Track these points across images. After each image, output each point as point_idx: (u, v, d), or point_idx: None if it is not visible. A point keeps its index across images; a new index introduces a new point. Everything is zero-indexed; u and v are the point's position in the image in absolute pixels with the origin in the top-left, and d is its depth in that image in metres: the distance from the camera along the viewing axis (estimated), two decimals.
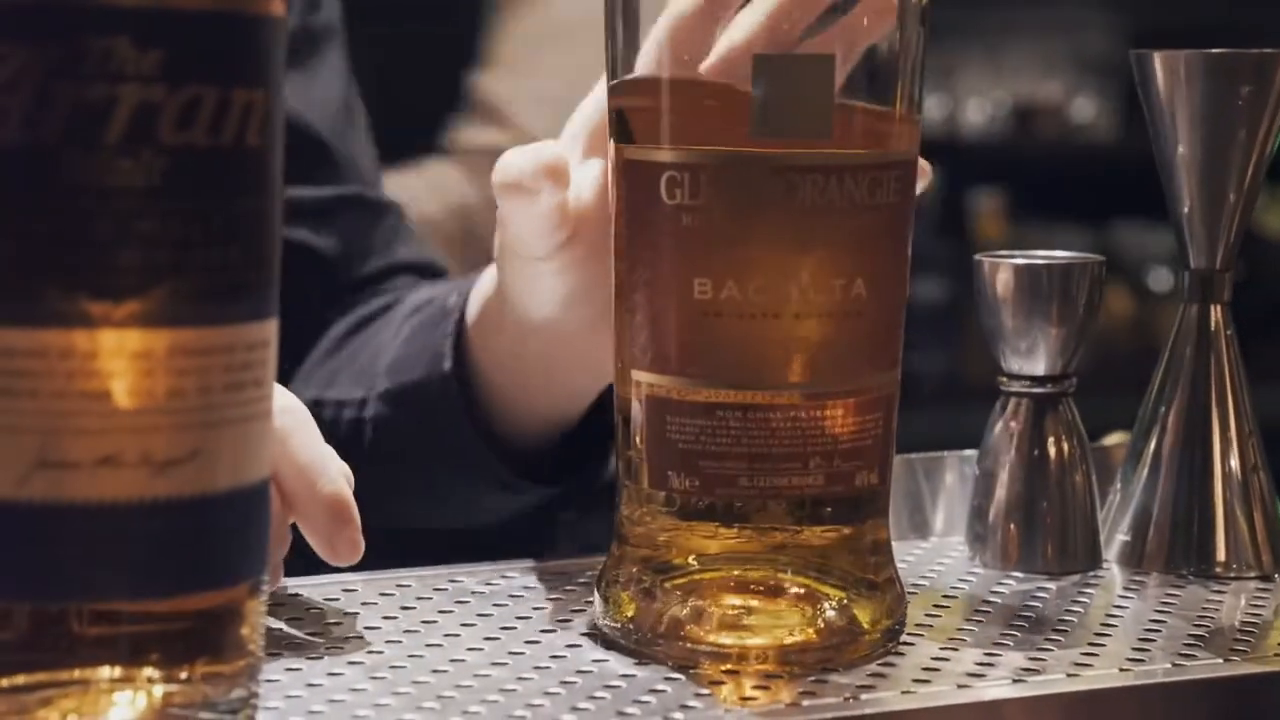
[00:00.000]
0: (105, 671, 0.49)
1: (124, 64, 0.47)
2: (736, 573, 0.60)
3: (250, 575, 0.52)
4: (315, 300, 0.93)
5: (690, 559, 0.61)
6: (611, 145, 0.61)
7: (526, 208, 0.69)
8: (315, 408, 0.74)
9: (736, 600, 0.60)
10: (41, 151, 0.47)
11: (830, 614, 0.60)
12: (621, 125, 0.61)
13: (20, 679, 0.49)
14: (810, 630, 0.60)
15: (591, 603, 0.64)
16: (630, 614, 0.61)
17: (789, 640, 0.59)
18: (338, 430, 0.90)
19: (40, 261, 0.47)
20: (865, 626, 0.61)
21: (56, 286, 0.48)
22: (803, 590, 0.60)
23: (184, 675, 0.50)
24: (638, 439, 0.61)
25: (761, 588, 0.60)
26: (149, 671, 0.50)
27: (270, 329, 0.52)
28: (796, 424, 0.59)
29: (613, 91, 0.62)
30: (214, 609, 0.51)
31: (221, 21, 0.49)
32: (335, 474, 0.64)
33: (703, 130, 0.59)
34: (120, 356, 0.48)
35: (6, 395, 0.48)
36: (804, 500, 0.60)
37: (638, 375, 0.61)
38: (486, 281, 0.81)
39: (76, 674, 0.49)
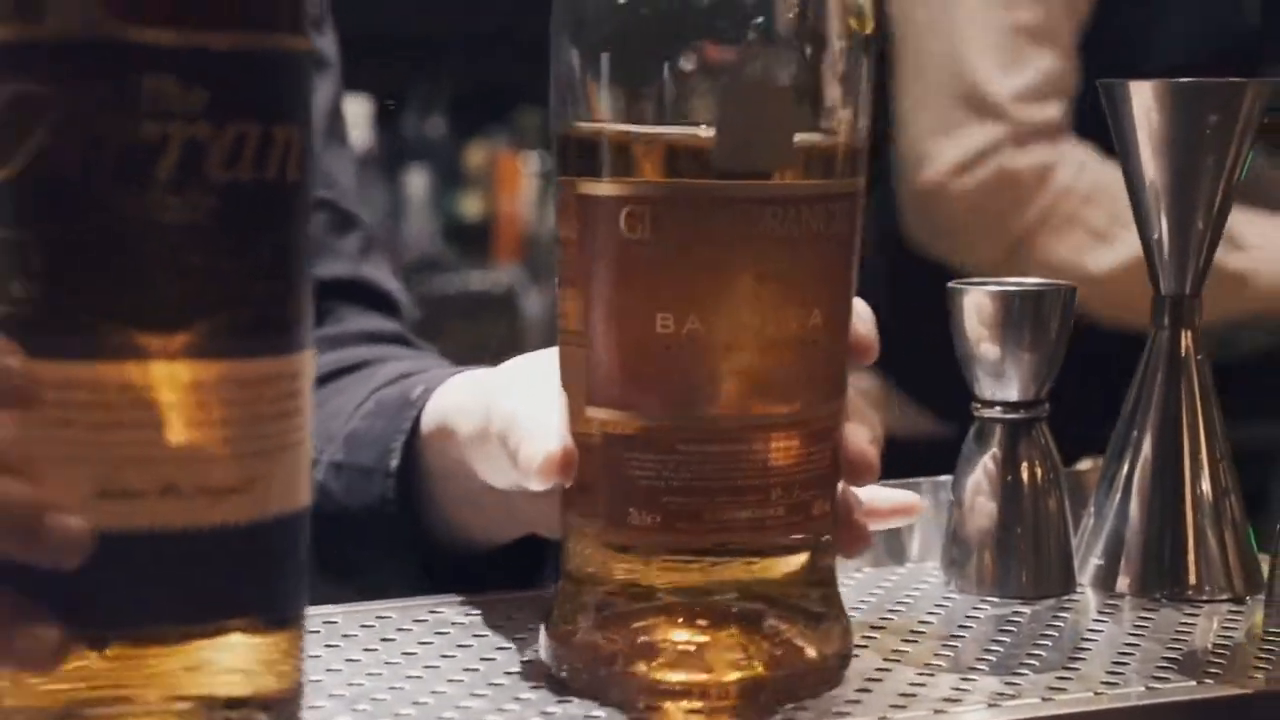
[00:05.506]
0: (154, 693, 0.50)
1: (171, 103, 0.48)
2: (686, 609, 0.59)
3: (295, 606, 0.53)
4: None
5: (642, 594, 0.60)
6: (560, 179, 0.60)
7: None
8: None
9: (685, 635, 0.59)
10: (94, 189, 0.48)
11: (780, 648, 0.59)
12: (577, 159, 0.60)
13: (79, 696, 0.50)
14: (758, 664, 0.59)
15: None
16: (579, 653, 0.60)
17: (736, 676, 0.59)
18: None
19: (95, 297, 0.49)
20: (814, 658, 0.60)
21: (111, 320, 0.49)
22: (751, 623, 0.59)
23: (231, 699, 0.51)
24: (593, 477, 0.60)
25: (708, 622, 0.59)
26: (202, 693, 0.51)
27: (309, 360, 0.53)
28: (761, 456, 0.58)
29: (562, 125, 0.60)
30: (259, 635, 0.52)
31: (262, 59, 0.50)
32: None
33: (661, 164, 0.59)
34: (174, 388, 0.49)
35: (68, 427, 0.49)
36: (766, 532, 0.59)
37: (593, 412, 0.59)
38: (455, 392, 0.76)
39: (125, 693, 0.50)
